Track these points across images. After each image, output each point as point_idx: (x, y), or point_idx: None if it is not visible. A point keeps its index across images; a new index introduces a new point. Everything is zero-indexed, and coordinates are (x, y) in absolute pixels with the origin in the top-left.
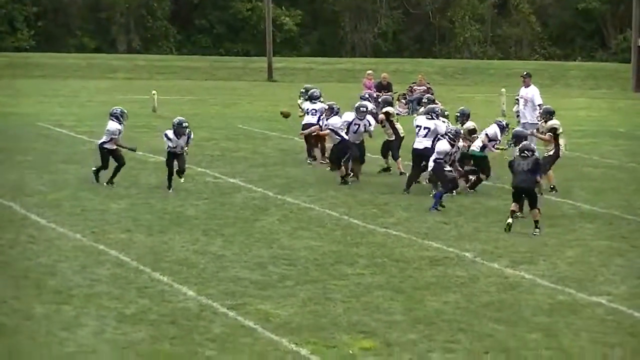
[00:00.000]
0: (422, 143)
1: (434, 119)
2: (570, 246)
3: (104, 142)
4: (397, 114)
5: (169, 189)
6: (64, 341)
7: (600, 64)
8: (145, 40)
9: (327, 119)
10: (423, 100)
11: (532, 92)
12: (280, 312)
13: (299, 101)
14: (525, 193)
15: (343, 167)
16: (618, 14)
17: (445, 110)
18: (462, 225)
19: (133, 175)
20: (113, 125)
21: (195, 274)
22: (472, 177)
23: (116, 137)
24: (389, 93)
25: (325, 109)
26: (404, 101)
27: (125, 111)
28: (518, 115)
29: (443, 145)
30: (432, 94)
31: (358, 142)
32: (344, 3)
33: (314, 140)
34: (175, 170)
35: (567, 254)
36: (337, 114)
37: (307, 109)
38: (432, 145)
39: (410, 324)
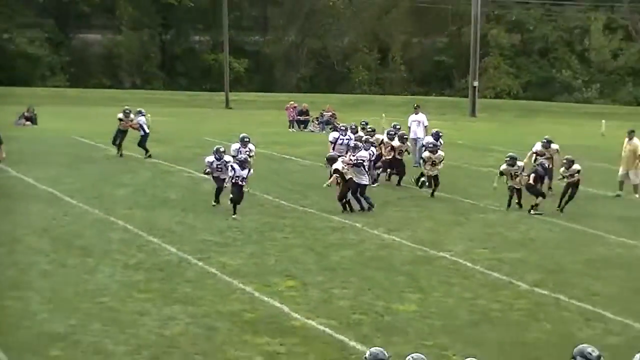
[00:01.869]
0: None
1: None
2: (427, 219)
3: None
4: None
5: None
6: (87, 282)
7: (449, 99)
8: (143, 80)
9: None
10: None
11: (422, 117)
12: (233, 263)
13: None
14: None
15: None
16: (461, 65)
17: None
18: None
19: (133, 171)
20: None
21: (176, 238)
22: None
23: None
24: (307, 117)
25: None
26: (316, 122)
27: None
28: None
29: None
30: (336, 118)
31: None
32: (276, 56)
33: None
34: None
35: (424, 224)
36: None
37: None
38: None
39: (319, 270)
